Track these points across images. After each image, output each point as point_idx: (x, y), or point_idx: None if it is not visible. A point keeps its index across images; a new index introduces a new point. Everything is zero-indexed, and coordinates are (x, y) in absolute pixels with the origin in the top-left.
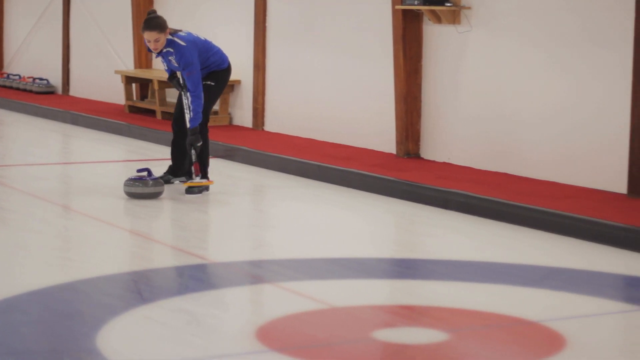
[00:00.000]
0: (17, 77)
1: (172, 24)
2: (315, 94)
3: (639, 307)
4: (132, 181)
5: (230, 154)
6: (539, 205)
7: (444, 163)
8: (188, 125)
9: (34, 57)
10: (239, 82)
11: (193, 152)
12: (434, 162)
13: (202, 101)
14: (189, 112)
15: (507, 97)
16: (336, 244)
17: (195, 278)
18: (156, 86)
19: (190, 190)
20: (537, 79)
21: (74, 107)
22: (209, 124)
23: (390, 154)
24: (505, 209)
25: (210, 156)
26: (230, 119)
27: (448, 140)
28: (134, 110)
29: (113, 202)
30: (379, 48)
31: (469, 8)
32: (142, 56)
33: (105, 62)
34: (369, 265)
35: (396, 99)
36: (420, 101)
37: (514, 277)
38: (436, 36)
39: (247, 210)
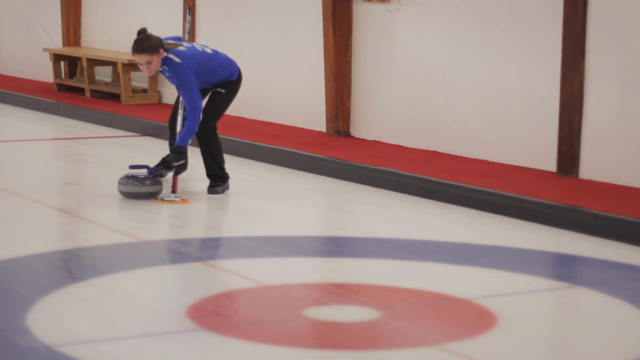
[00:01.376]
0: None
1: (98, 2)
2: (246, 72)
3: (568, 284)
4: (127, 179)
5: (159, 132)
6: (469, 183)
7: (374, 141)
8: (176, 139)
9: None
10: None
11: (172, 170)
12: (364, 140)
13: (198, 122)
14: (181, 122)
15: (436, 76)
16: (267, 222)
17: (126, 256)
18: (85, 64)
19: (212, 191)
20: (467, 57)
21: (1, 85)
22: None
23: (320, 132)
24: (435, 187)
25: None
26: (160, 97)
27: (378, 119)
28: (62, 88)
29: (41, 181)
30: (308, 26)
31: None
32: (71, 34)
33: (33, 40)
34: (300, 243)
35: (326, 77)
36: (350, 79)
37: (445, 255)
38: (366, 14)
39: None
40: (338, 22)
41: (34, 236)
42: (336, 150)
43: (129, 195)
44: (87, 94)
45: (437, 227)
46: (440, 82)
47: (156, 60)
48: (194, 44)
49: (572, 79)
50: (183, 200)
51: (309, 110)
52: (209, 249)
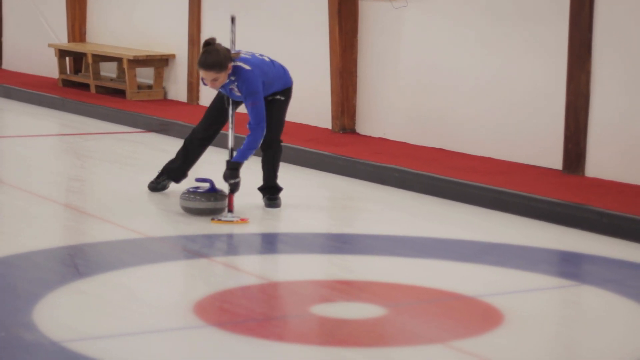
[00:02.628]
0: None
1: (107, 4)
2: None
3: (574, 282)
4: (189, 194)
5: (165, 128)
6: (475, 180)
7: (380, 138)
8: (232, 154)
9: None
10: (173, 56)
11: (228, 187)
12: (369, 137)
13: (262, 136)
14: (232, 136)
15: (442, 73)
16: (273, 219)
17: (131, 252)
18: (90, 60)
19: (272, 204)
20: (473, 54)
21: (7, 81)
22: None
23: (325, 129)
24: (440, 185)
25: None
26: (165, 93)
27: (384, 116)
28: (67, 84)
29: (46, 176)
30: (314, 23)
31: None
32: (76, 30)
33: (38, 35)
34: (306, 240)
35: (332, 74)
36: (356, 76)
37: (451, 253)
38: (372, 11)
39: (181, 184)
40: (344, 19)
41: (40, 232)
42: (342, 147)
43: (191, 211)
44: (92, 89)
45: (442, 224)
46: (446, 80)
47: (223, 77)
48: (253, 53)
49: (578, 77)
50: (242, 220)
51: (314, 107)
52: (215, 245)
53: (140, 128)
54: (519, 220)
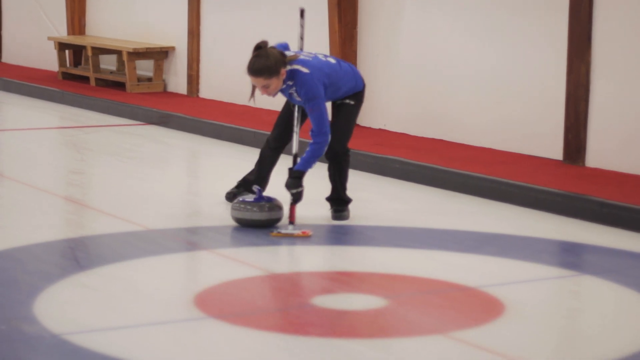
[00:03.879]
0: None
1: None
2: None
3: (575, 272)
4: (241, 204)
5: (164, 121)
6: (475, 171)
7: (380, 129)
8: (295, 160)
9: None
10: (173, 48)
11: (290, 197)
12: (370, 128)
13: (327, 144)
14: (297, 141)
15: (442, 64)
16: None
17: (132, 245)
18: (90, 53)
19: (339, 216)
20: (472, 45)
21: (6, 74)
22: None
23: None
24: (441, 175)
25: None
26: (165, 86)
27: (384, 107)
28: (67, 77)
29: (46, 169)
30: (314, 14)
31: None
32: (76, 23)
33: (38, 28)
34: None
35: None
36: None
37: (451, 243)
38: (371, 3)
39: (182, 176)
40: (343, 11)
41: (40, 225)
42: None
43: (243, 223)
44: (92, 82)
45: (443, 215)
46: (446, 70)
47: (275, 83)
48: (316, 53)
49: (578, 67)
50: (304, 233)
51: None
52: (216, 237)
53: (140, 120)
54: (519, 210)
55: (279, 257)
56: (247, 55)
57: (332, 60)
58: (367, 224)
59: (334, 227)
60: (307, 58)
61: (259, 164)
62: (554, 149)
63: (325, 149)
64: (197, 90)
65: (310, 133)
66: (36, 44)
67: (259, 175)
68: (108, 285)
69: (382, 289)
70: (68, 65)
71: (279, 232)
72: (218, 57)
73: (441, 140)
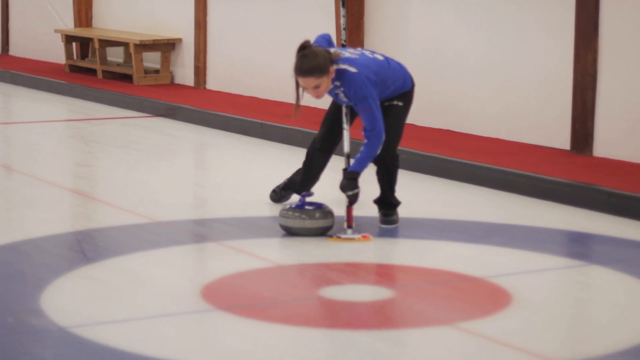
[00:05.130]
0: None
1: None
2: (257, 52)
3: (582, 262)
4: (290, 211)
5: (172, 113)
6: (482, 161)
7: None
8: (348, 161)
9: None
10: (180, 40)
11: (347, 200)
12: None
13: (381, 142)
14: (348, 139)
15: (449, 54)
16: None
17: (139, 237)
18: (97, 45)
19: (388, 221)
20: (480, 35)
21: (13, 67)
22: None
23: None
24: (448, 166)
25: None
26: (172, 78)
27: None
28: (74, 69)
29: (54, 162)
30: (320, 5)
31: None
32: (82, 15)
33: (45, 21)
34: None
35: None
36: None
37: (459, 234)
38: None
39: (189, 168)
40: (350, 0)
41: (47, 217)
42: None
43: (294, 232)
44: (99, 75)
45: (450, 205)
46: (453, 60)
47: (325, 82)
48: (362, 50)
49: (585, 56)
50: (364, 237)
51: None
52: (222, 229)
53: (148, 113)
54: (526, 200)
55: (286, 248)
56: (254, 46)
57: (380, 57)
58: (373, 214)
59: (341, 218)
60: (354, 56)
61: (306, 164)
62: (561, 139)
63: (380, 147)
64: (204, 82)
65: (363, 133)
66: (43, 37)
67: (305, 177)
68: (115, 277)
69: (389, 280)
70: (75, 57)
71: (338, 237)
72: (225, 49)
73: (448, 131)
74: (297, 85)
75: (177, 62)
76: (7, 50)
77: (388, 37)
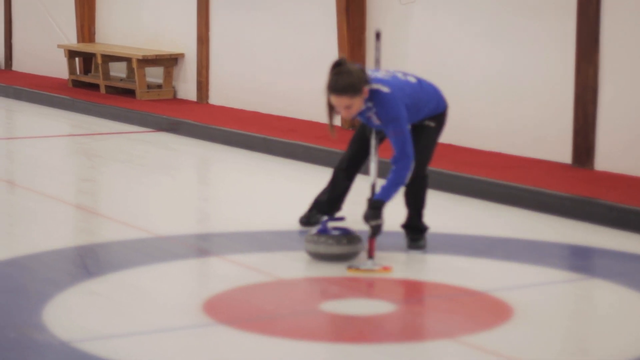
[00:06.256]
0: None
1: (115, 5)
2: (260, 66)
3: (584, 276)
4: (316, 237)
5: (174, 127)
6: (484, 175)
7: None
8: (373, 190)
9: None
10: (182, 55)
11: (370, 230)
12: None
13: (410, 170)
14: (375, 169)
15: (450, 68)
16: (282, 215)
17: (141, 252)
18: (99, 60)
19: (416, 246)
20: (481, 48)
21: (17, 82)
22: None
23: (335, 126)
24: (449, 180)
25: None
26: (175, 93)
27: None
28: (77, 84)
29: (57, 177)
30: (322, 20)
31: None
32: (85, 30)
33: (48, 36)
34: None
35: None
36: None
37: (460, 248)
38: (380, 7)
39: (192, 183)
40: (352, 15)
41: (50, 232)
42: None
43: (320, 257)
44: (102, 90)
45: (451, 219)
46: (454, 74)
47: (358, 102)
48: (394, 72)
49: (586, 69)
50: (384, 268)
51: (323, 104)
52: (224, 243)
53: (150, 127)
54: (528, 214)
55: (288, 263)
56: (256, 61)
57: (413, 80)
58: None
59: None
60: (386, 77)
61: (331, 185)
62: (563, 152)
63: (409, 175)
64: (207, 97)
65: (391, 160)
66: (46, 52)
67: (331, 198)
68: (117, 292)
69: (391, 294)
70: (78, 72)
71: (357, 269)
72: (227, 64)
73: (450, 145)
74: (329, 103)
75: (180, 77)
76: (11, 65)
77: (390, 51)
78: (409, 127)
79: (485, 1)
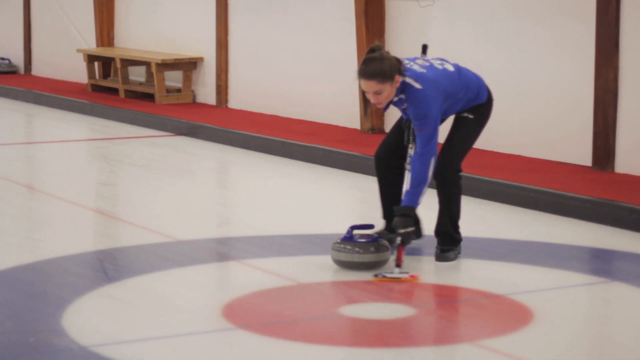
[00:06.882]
0: None
1: (131, 2)
2: (279, 70)
3: (604, 279)
4: (342, 244)
5: (193, 131)
6: (503, 178)
7: None
8: (402, 196)
9: None
10: (201, 59)
11: (398, 238)
12: None
13: (429, 167)
14: (409, 183)
15: None
16: (301, 220)
17: (160, 256)
18: (118, 64)
19: (443, 257)
20: (500, 52)
21: (36, 87)
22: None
23: (354, 130)
24: (470, 183)
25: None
26: (194, 97)
27: None
28: (96, 89)
29: (76, 181)
30: (341, 23)
31: None
32: (104, 35)
33: (67, 40)
34: (334, 240)
35: None
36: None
37: (480, 251)
38: (398, 11)
39: (211, 187)
40: (370, 19)
41: (69, 237)
42: (370, 148)
43: (346, 265)
44: (121, 94)
45: (472, 223)
46: None
47: (388, 91)
48: (431, 60)
49: (606, 73)
50: (412, 277)
51: (342, 108)
52: (243, 247)
53: (170, 131)
54: (548, 217)
55: (307, 267)
56: (275, 65)
57: (451, 68)
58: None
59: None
60: (421, 70)
61: (380, 191)
62: (583, 155)
63: (430, 172)
64: (226, 101)
65: (411, 158)
66: (65, 57)
67: (383, 205)
68: (136, 296)
69: (410, 298)
70: (97, 77)
71: (383, 277)
72: (246, 68)
73: None
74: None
75: (199, 81)
76: (30, 70)
77: (409, 55)
78: (439, 124)
79: (504, 4)
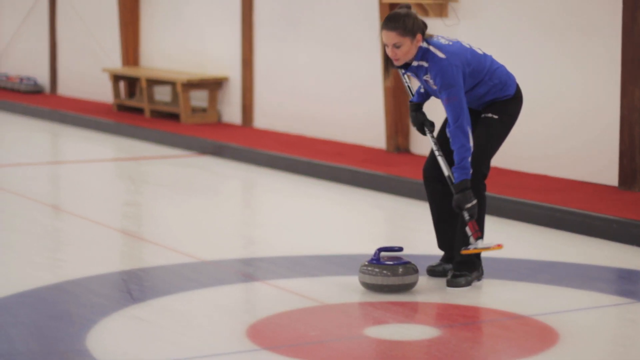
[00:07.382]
0: (4, 77)
1: (157, 22)
2: (304, 89)
3: (631, 300)
4: (371, 267)
5: (219, 151)
6: (530, 198)
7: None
8: (451, 179)
9: (21, 57)
10: (227, 78)
11: (465, 214)
12: (424, 156)
13: (468, 136)
14: (444, 162)
15: None
16: (327, 240)
17: (186, 277)
18: (144, 84)
19: (453, 282)
20: (525, 70)
21: (62, 106)
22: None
23: (380, 149)
24: (495, 203)
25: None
26: (219, 116)
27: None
28: (122, 108)
29: (101, 201)
30: (366, 42)
31: (456, 1)
32: (130, 54)
33: (92, 60)
34: (360, 261)
35: (385, 94)
36: (409, 95)
37: (506, 272)
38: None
39: (237, 207)
40: None
41: (94, 257)
42: (396, 167)
43: (371, 288)
44: (147, 113)
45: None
46: None
47: (407, 45)
48: (460, 41)
49: (632, 91)
50: (498, 245)
51: (368, 127)
52: (268, 268)
53: (195, 151)
54: (574, 237)
55: (332, 287)
56: (301, 84)
57: (478, 51)
58: (420, 253)
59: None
60: (446, 42)
61: (431, 213)
62: (609, 175)
63: (470, 139)
64: (252, 120)
65: (447, 133)
66: (91, 76)
67: (436, 233)
68: (161, 317)
69: (435, 319)
70: (123, 96)
71: (474, 249)
72: (272, 87)
73: (494, 168)
74: (384, 50)
75: (225, 101)
76: (56, 89)
77: None
78: (463, 93)
79: (529, 22)
